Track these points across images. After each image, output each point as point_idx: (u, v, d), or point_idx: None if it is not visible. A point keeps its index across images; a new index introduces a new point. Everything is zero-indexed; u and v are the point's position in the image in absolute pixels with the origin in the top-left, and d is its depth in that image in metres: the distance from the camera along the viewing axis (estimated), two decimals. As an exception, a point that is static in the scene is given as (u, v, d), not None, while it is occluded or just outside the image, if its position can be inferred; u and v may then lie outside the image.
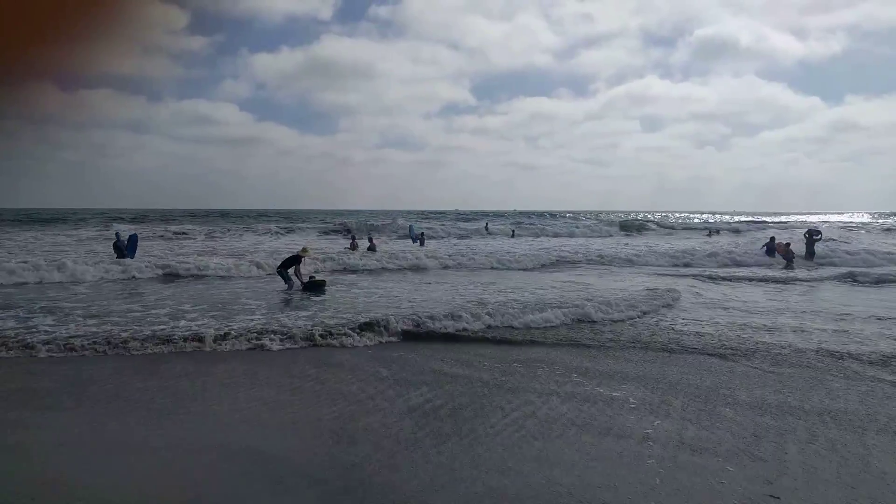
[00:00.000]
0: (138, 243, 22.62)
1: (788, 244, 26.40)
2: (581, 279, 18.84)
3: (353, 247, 28.23)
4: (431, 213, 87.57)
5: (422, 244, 31.90)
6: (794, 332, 10.83)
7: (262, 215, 63.31)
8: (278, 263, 15.88)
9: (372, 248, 26.99)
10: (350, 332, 10.01)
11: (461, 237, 43.88)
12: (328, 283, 15.69)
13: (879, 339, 10.22)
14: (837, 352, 9.27)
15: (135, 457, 5.16)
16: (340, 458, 5.05)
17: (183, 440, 5.56)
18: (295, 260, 15.53)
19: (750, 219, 72.25)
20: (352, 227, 42.96)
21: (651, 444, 5.44)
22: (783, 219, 72.75)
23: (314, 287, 14.96)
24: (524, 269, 22.52)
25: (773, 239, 27.87)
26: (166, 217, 63.05)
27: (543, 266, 23.54)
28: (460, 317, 10.97)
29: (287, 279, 15.24)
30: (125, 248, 21.63)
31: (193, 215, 60.70)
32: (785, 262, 24.90)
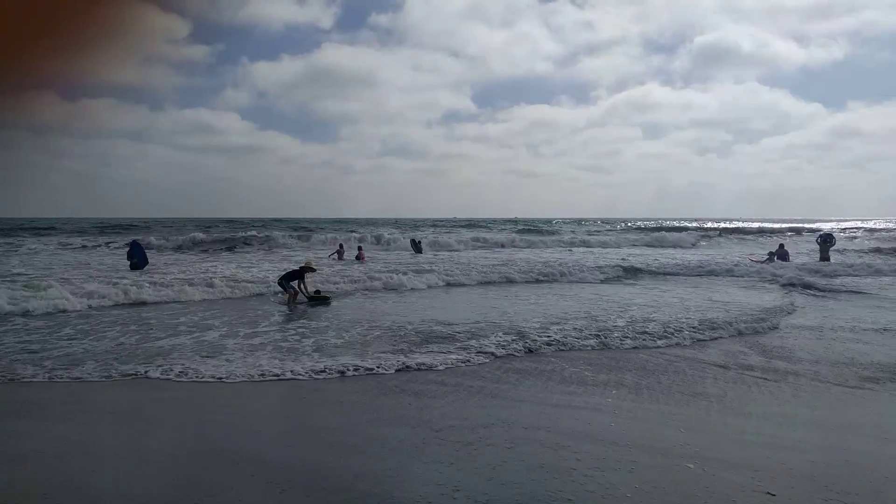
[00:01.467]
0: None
1: (782, 245, 26.60)
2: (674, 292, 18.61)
3: (340, 255, 27.19)
4: (438, 220, 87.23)
5: (420, 252, 31.73)
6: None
7: (263, 223, 63.15)
8: (281, 279, 15.81)
9: (360, 258, 25.93)
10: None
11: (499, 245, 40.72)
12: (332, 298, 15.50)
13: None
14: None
15: (139, 464, 5.16)
16: (343, 468, 5.03)
17: (187, 447, 5.57)
18: (297, 274, 15.49)
19: (759, 225, 71.30)
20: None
21: (654, 452, 5.41)
22: (789, 225, 71.56)
23: (319, 301, 14.92)
24: (590, 282, 20.76)
25: (781, 246, 27.68)
26: (174, 225, 62.58)
27: (618, 278, 21.91)
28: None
29: (286, 291, 15.17)
30: (135, 256, 21.56)
31: (203, 224, 59.95)
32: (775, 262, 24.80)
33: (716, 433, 6.02)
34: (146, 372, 8.18)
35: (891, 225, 75.03)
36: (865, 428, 6.18)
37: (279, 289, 15.36)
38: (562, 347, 10.03)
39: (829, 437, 5.91)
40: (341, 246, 29.21)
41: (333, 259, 26.14)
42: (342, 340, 10.33)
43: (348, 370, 8.37)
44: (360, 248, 28.03)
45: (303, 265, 15.93)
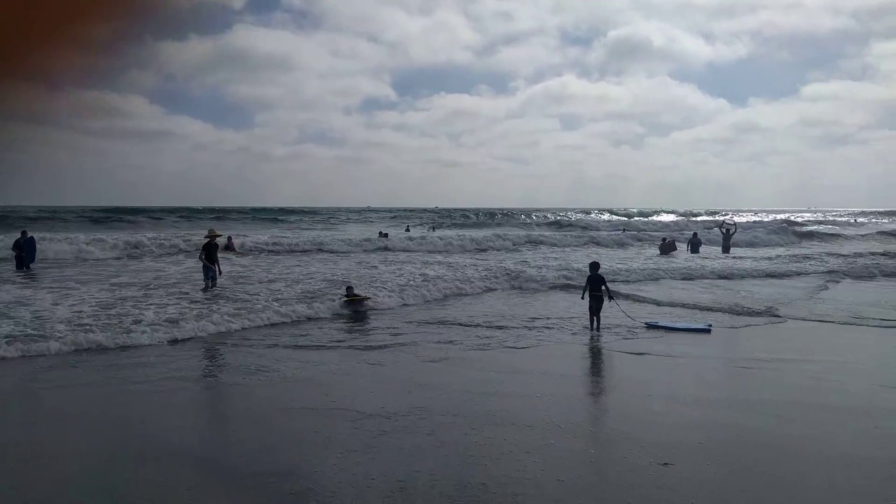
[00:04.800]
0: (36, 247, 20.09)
1: (664, 239, 28.03)
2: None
3: (230, 247, 24.63)
4: (352, 209, 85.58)
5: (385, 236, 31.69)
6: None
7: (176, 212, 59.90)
8: (201, 254, 14.89)
9: (230, 248, 24.08)
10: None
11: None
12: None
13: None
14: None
15: (56, 463, 4.96)
16: (257, 460, 4.92)
17: (106, 444, 5.37)
18: (212, 246, 14.75)
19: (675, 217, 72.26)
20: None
21: (566, 434, 5.60)
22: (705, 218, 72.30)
23: (354, 304, 12.67)
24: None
25: (695, 234, 29.06)
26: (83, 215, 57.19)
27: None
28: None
29: (209, 270, 14.44)
30: (24, 252, 19.13)
31: (112, 214, 54.42)
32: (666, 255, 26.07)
33: (625, 414, 6.31)
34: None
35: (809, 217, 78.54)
36: (763, 406, 6.61)
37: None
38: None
39: (727, 416, 6.29)
40: (230, 238, 26.09)
41: (228, 251, 23.94)
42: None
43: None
44: (230, 239, 25.67)
45: (208, 235, 15.09)
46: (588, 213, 72.55)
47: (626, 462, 4.92)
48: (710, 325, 11.13)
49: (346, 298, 12.72)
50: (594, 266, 11.49)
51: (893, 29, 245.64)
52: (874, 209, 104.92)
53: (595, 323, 10.84)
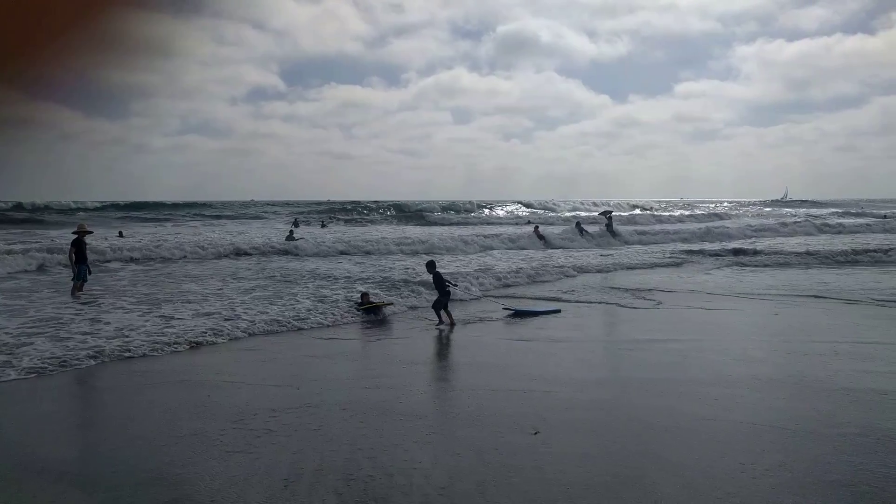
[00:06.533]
0: None
1: (537, 227, 29.91)
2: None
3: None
4: (231, 202, 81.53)
5: (293, 238, 26.69)
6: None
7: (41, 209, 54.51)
8: (71, 252, 13.40)
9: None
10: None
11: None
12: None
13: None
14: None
15: None
16: (131, 465, 4.65)
17: None
18: (83, 243, 13.62)
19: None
20: None
21: (450, 420, 5.74)
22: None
23: (372, 309, 11.75)
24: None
25: (578, 223, 30.54)
26: None
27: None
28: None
29: (81, 271, 13.26)
30: None
31: None
32: (542, 241, 27.36)
33: (508, 398, 6.53)
34: None
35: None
36: (635, 383, 7.09)
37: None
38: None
39: (604, 394, 6.69)
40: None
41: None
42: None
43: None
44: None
45: (77, 230, 14.00)
46: (486, 204, 72.53)
47: (509, 445, 5.12)
48: (559, 309, 12.03)
49: (363, 307, 11.60)
50: (431, 265, 11.51)
51: (752, 34, 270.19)
52: (736, 199, 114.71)
53: (448, 318, 10.63)
